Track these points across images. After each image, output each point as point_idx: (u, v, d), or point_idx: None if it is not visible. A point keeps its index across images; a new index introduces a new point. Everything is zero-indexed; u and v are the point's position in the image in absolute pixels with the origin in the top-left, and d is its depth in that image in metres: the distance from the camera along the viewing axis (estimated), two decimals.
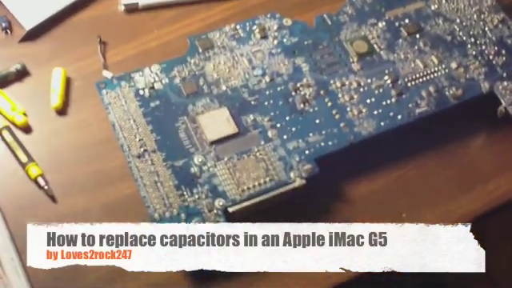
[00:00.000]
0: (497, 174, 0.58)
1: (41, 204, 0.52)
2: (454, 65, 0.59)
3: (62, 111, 0.57)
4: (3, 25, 0.61)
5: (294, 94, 0.57)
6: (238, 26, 0.60)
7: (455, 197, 0.56)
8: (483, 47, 0.61)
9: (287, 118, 0.55)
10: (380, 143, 0.56)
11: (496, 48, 0.61)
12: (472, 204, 0.56)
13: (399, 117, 0.56)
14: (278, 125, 0.55)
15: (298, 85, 0.57)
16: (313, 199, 0.53)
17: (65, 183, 0.53)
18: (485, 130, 0.60)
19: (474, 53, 0.60)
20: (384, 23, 0.61)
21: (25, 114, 0.56)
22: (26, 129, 0.56)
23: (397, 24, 0.61)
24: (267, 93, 0.56)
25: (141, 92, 0.55)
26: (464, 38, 0.61)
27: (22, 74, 0.58)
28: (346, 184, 0.56)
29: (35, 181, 0.53)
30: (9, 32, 0.61)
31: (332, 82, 0.57)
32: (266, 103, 0.56)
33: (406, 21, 0.62)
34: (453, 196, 0.56)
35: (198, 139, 0.54)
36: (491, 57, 0.60)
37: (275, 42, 0.59)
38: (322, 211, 0.54)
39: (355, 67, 0.58)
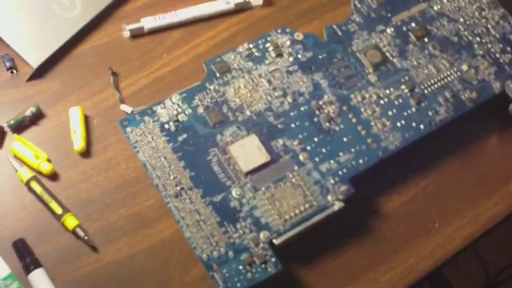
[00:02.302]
0: None
1: (83, 255, 0.51)
2: (464, 67, 0.60)
3: (86, 153, 0.55)
4: (7, 64, 0.57)
5: (317, 112, 0.56)
6: (251, 46, 0.58)
7: (481, 200, 0.58)
8: (489, 46, 0.61)
9: (316, 139, 0.55)
10: (404, 153, 0.56)
11: (501, 45, 0.62)
12: (498, 205, 0.58)
13: (421, 126, 0.57)
14: (308, 147, 0.55)
15: (321, 102, 0.57)
16: (347, 216, 0.54)
17: (103, 230, 0.52)
18: (498, 128, 0.61)
19: (481, 52, 0.61)
20: (392, 29, 0.61)
21: (49, 161, 0.53)
22: (53, 176, 0.53)
23: (404, 29, 0.61)
24: (292, 114, 0.56)
25: (166, 126, 0.54)
26: (470, 38, 0.62)
27: (37, 117, 0.55)
28: (378, 199, 0.56)
29: (73, 232, 0.51)
30: (14, 71, 0.57)
31: (352, 96, 0.57)
32: (293, 125, 0.55)
33: (413, 24, 0.62)
34: (479, 199, 0.58)
35: (233, 171, 0.53)
36: (498, 55, 0.61)
37: (291, 58, 0.58)
38: (358, 228, 0.55)
39: (372, 78, 0.58)
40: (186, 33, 0.61)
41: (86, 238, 0.51)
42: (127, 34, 0.60)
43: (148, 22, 0.61)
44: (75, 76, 0.58)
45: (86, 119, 0.56)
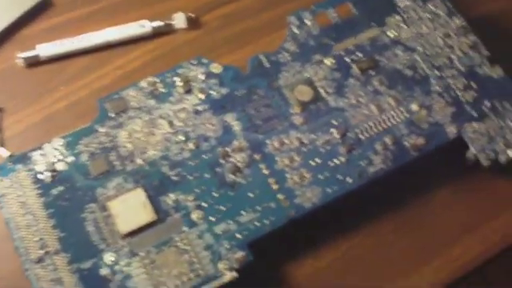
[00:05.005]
0: (464, 234, 0.50)
1: None
2: (414, 106, 0.50)
3: None
4: None
5: (222, 161, 0.48)
6: (156, 79, 0.50)
7: (416, 268, 0.48)
8: (449, 81, 0.51)
9: (215, 195, 0.47)
10: (325, 210, 0.47)
11: (465, 81, 0.52)
12: (435, 275, 0.48)
13: (349, 180, 0.48)
14: (205, 204, 0.47)
15: (228, 149, 0.48)
16: (246, 286, 0.45)
17: None
18: (448, 181, 0.51)
19: (438, 89, 0.51)
20: (332, 60, 0.52)
21: None
22: None
23: (348, 59, 0.52)
24: (191, 163, 0.48)
25: (40, 176, 0.47)
26: (427, 72, 0.52)
27: None
28: (288, 264, 0.48)
29: None
30: None
31: (269, 141, 0.49)
32: (191, 177, 0.47)
33: (359, 54, 0.52)
34: (413, 268, 0.48)
35: (109, 232, 0.46)
36: (459, 92, 0.51)
37: (201, 96, 0.50)
38: None
39: (297, 120, 0.49)
40: (92, 61, 0.54)
41: None
42: (21, 62, 0.53)
43: (44, 49, 0.53)
44: None
45: None
